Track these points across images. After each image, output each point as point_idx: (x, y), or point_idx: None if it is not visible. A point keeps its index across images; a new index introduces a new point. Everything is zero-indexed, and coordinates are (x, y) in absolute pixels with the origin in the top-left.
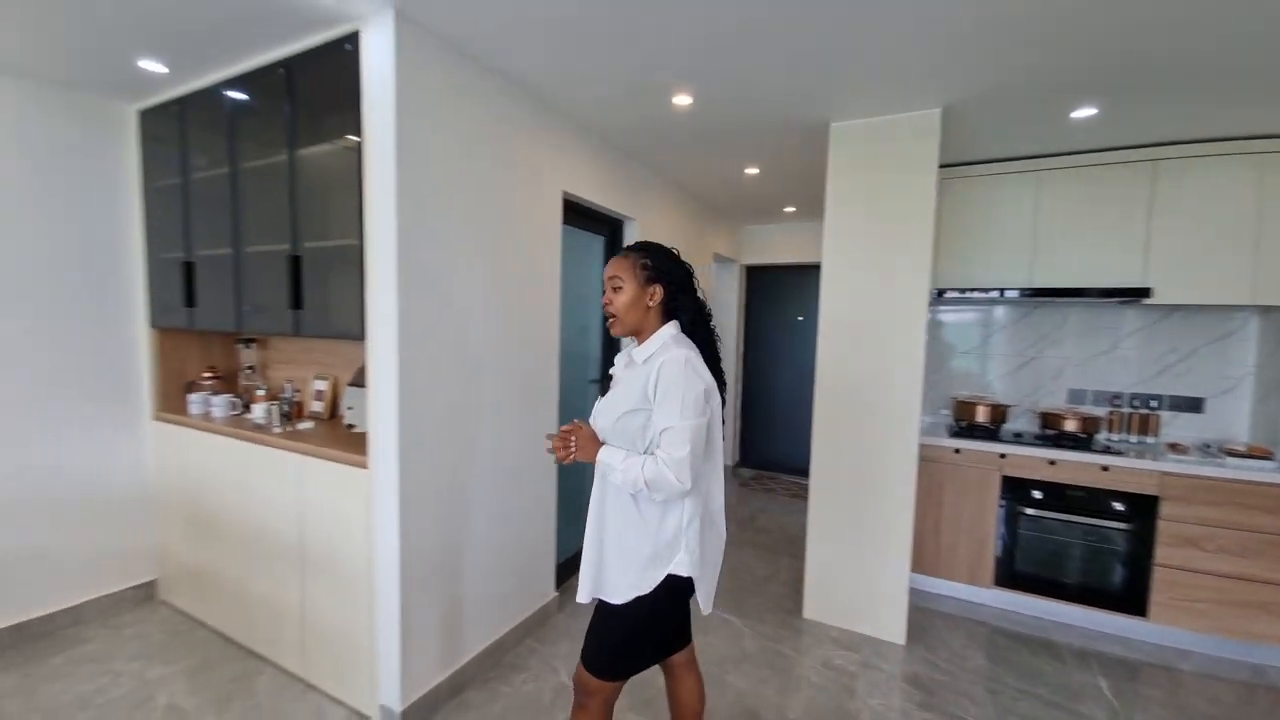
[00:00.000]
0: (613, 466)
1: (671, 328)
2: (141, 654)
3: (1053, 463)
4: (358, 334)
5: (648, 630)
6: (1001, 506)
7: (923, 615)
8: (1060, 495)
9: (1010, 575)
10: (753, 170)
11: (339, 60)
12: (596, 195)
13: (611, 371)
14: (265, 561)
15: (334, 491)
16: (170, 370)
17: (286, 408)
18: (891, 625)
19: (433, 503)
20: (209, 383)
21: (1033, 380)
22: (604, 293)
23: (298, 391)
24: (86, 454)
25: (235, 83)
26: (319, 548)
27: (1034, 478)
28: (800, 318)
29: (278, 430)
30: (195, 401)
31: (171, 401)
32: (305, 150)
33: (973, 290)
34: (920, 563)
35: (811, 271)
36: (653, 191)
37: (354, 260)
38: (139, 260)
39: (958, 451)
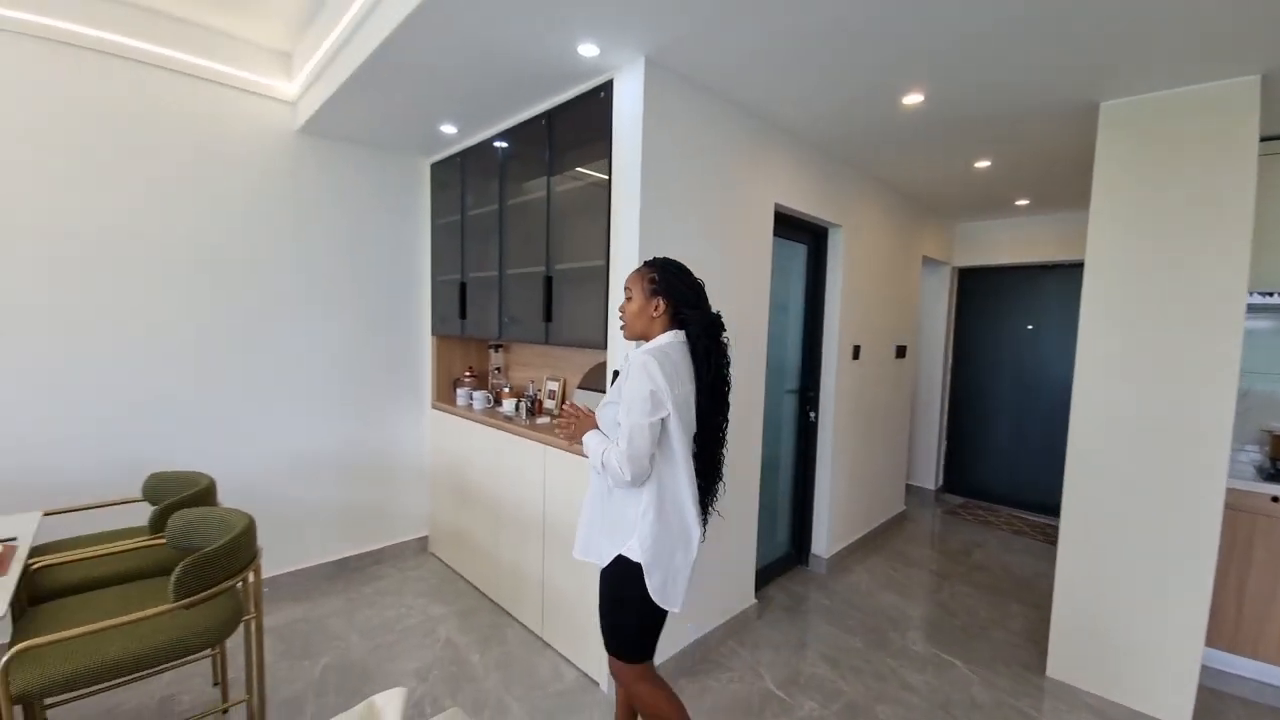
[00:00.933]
0: (587, 446)
1: (668, 336)
2: (423, 594)
3: None
4: (600, 343)
5: (623, 607)
6: None
7: (1216, 698)
8: None
9: None
10: (983, 163)
11: (593, 106)
12: (804, 204)
13: (616, 368)
14: (512, 531)
15: (572, 479)
16: (443, 369)
17: (529, 404)
18: (1172, 703)
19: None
20: (469, 380)
21: None
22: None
23: (538, 391)
24: (389, 432)
25: (504, 135)
26: (557, 526)
27: None
28: (1029, 326)
29: (524, 422)
30: (460, 395)
31: (443, 393)
32: (559, 186)
33: None
34: (1214, 634)
35: (1046, 273)
36: (860, 195)
37: (599, 279)
38: (426, 282)
39: (1277, 500)
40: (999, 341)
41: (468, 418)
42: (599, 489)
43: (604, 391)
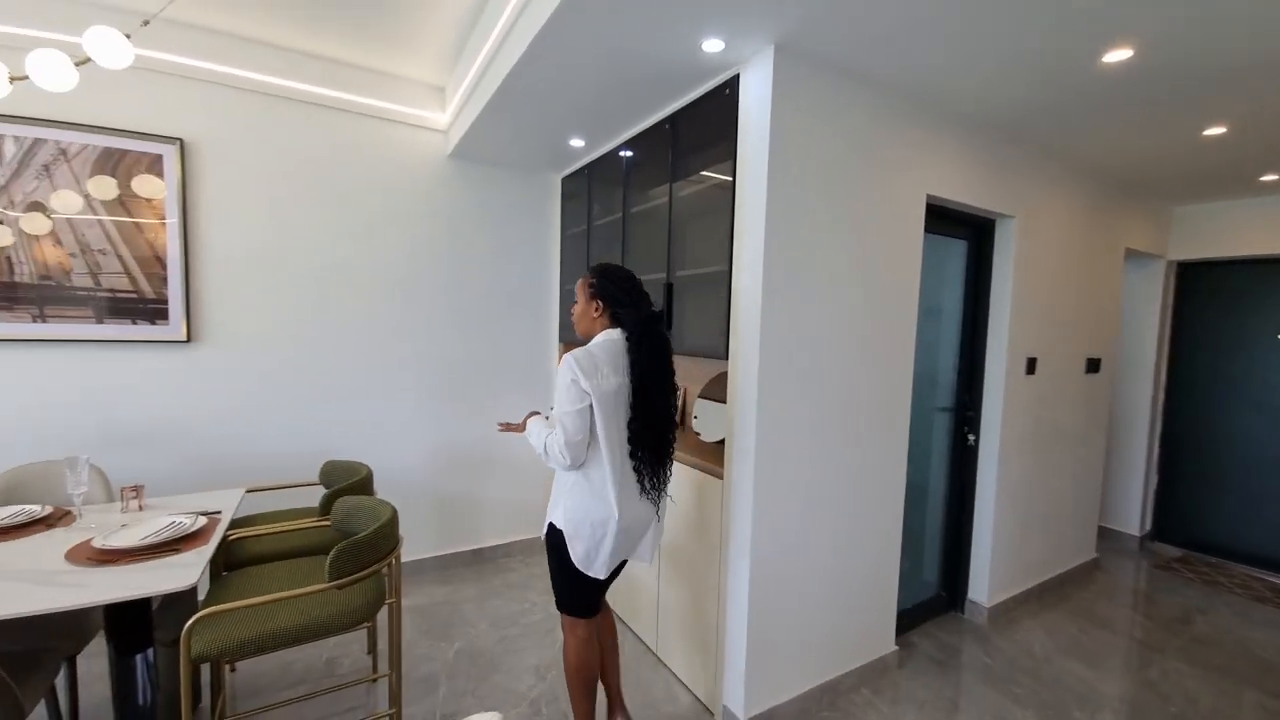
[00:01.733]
0: (530, 432)
1: (603, 335)
2: (546, 591)
3: None
4: (721, 353)
5: (559, 569)
6: None
7: None
8: None
9: None
10: (1216, 129)
11: (717, 105)
12: (964, 194)
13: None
14: None
15: (691, 493)
16: None
17: None
18: None
19: (783, 522)
20: None
21: None
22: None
23: None
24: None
25: (629, 143)
26: (670, 540)
27: None
28: None
29: None
30: None
31: None
32: (681, 191)
33: None
34: None
35: None
36: (1039, 179)
37: (721, 285)
38: (555, 292)
39: None
40: (1237, 354)
41: None
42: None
43: (724, 401)
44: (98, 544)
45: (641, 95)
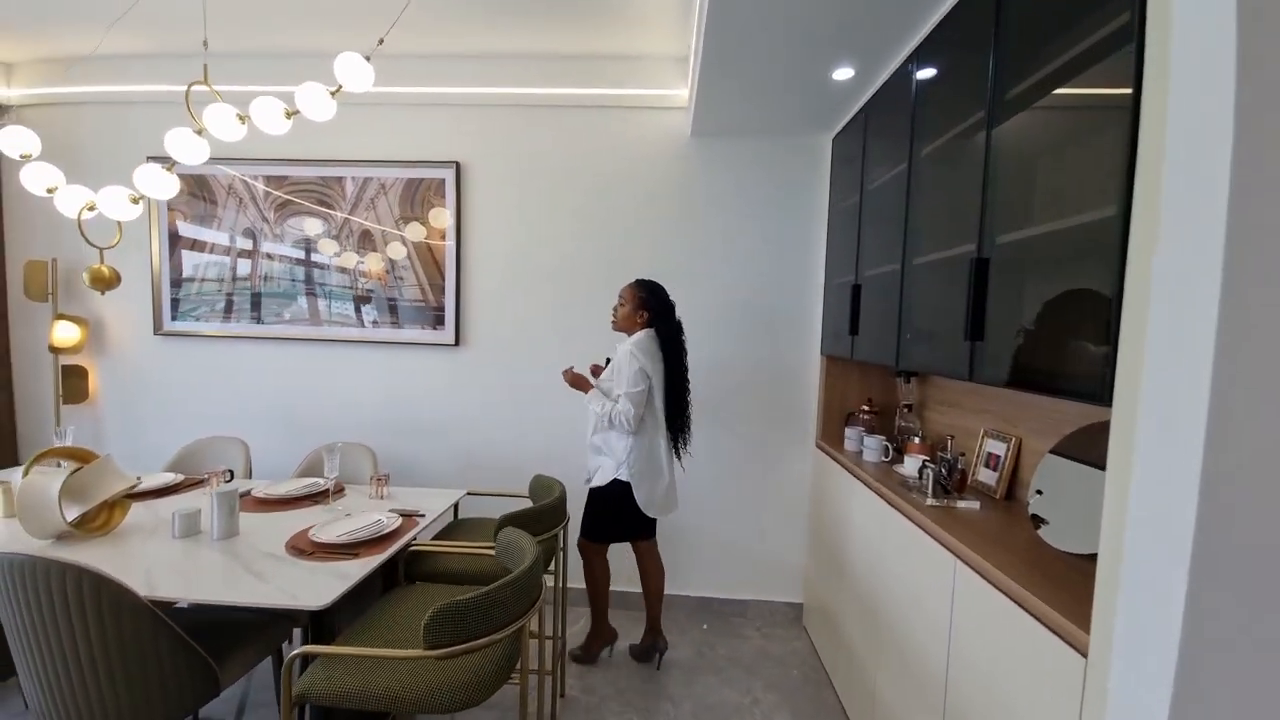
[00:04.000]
0: (591, 400)
1: (642, 334)
2: (777, 687)
3: None
4: (1086, 390)
5: (607, 511)
6: None
7: None
8: None
9: None
10: None
11: None
12: None
13: (608, 356)
14: (895, 659)
15: (1011, 643)
16: (833, 398)
17: (945, 471)
18: None
19: None
20: (866, 418)
21: None
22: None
23: (961, 455)
24: (768, 468)
25: (921, 50)
26: (975, 696)
27: None
28: None
29: (930, 502)
30: (850, 436)
31: (830, 430)
32: (1008, 97)
33: None
34: None
35: None
36: None
37: (1102, 248)
38: (818, 286)
39: None
40: None
41: (853, 471)
42: (610, 437)
43: (1103, 468)
44: (312, 535)
45: None
